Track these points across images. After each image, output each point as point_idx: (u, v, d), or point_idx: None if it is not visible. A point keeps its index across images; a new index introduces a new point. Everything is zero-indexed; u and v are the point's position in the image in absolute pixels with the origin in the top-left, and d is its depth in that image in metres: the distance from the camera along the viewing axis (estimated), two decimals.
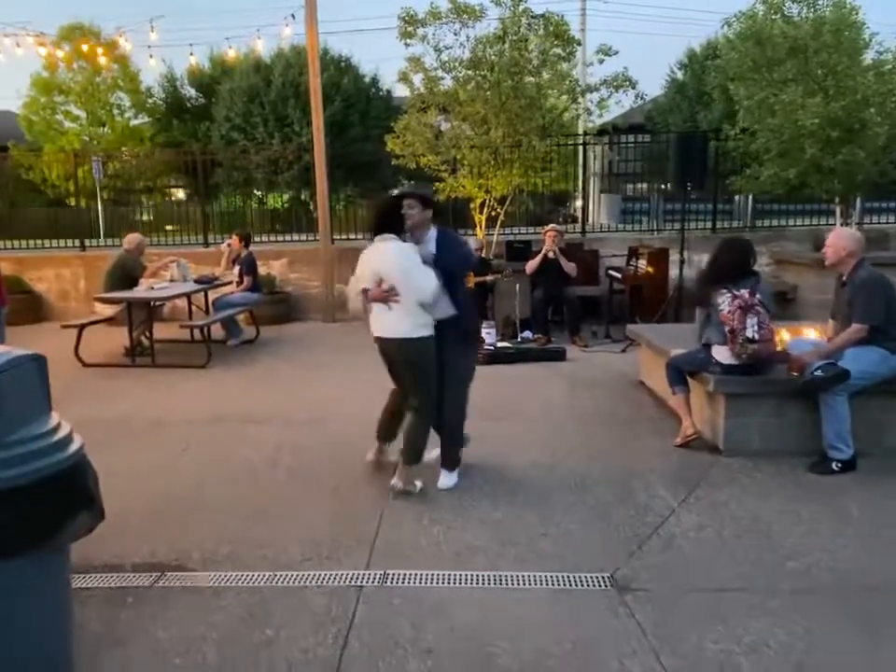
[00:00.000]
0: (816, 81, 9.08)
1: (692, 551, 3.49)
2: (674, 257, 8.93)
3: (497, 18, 9.23)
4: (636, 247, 9.54)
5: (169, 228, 14.19)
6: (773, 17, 9.29)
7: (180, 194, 25.12)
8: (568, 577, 3.26)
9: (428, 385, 4.18)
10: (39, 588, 2.33)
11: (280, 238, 11.28)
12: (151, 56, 12.80)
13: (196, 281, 8.39)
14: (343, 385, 6.63)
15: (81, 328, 7.59)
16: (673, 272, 8.88)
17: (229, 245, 8.75)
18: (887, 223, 10.62)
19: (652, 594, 3.12)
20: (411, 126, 8.97)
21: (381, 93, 27.50)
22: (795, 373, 4.51)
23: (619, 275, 8.95)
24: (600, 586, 3.19)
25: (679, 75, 29.08)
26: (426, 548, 3.55)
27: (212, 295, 8.79)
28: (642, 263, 8.90)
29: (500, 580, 3.25)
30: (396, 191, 5.01)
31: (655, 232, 10.78)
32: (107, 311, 7.73)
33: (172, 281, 8.45)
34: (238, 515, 3.97)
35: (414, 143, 8.96)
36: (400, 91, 29.69)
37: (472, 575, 3.29)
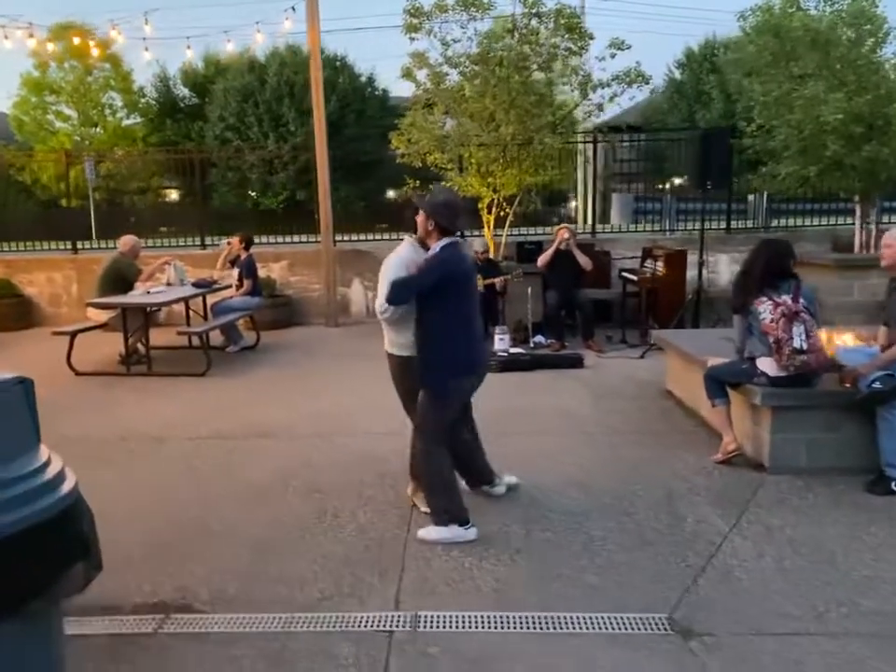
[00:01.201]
0: (836, 76, 8.77)
1: (753, 585, 3.15)
2: (690, 258, 8.61)
3: (503, 15, 8.91)
4: (650, 248, 9.21)
5: (163, 229, 13.84)
6: (790, 10, 8.98)
7: (174, 195, 24.72)
8: (623, 619, 2.91)
9: (410, 410, 3.84)
10: (26, 654, 1.98)
11: (280, 240, 10.88)
12: (147, 49, 12.35)
13: (194, 284, 8.01)
14: (352, 395, 6.28)
15: (73, 334, 7.21)
16: (689, 274, 8.56)
17: (229, 243, 8.38)
18: None
19: (719, 639, 2.78)
20: (417, 123, 8.61)
21: (377, 93, 27.23)
22: (848, 385, 4.18)
23: (634, 277, 8.62)
24: (660, 629, 2.84)
25: (677, 74, 28.87)
26: (459, 584, 3.20)
27: (210, 299, 8.42)
28: (658, 265, 8.56)
29: (547, 622, 2.90)
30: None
31: (668, 233, 10.45)
32: (101, 317, 7.35)
33: (168, 284, 8.08)
34: (247, 545, 3.61)
35: (421, 140, 8.61)
36: (397, 91, 29.32)
37: (515, 617, 2.94)
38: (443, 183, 9.43)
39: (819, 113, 8.22)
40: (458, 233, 3.70)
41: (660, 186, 12.42)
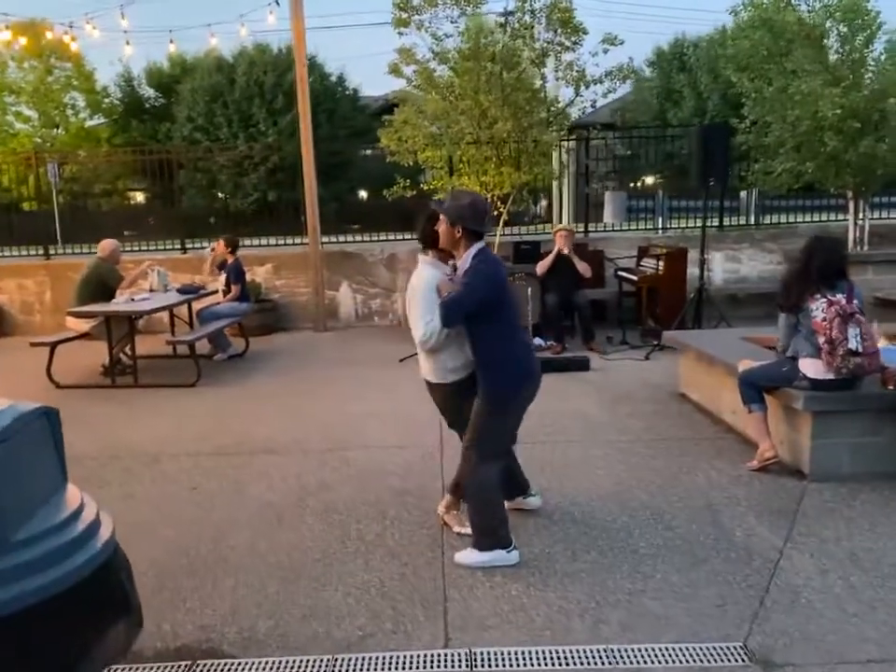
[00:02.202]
0: (830, 71, 8.71)
1: (825, 607, 2.94)
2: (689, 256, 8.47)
3: (494, 12, 8.68)
4: (646, 247, 9.05)
5: (127, 233, 13.31)
6: (782, 4, 8.89)
7: (140, 198, 24.07)
8: (696, 649, 2.68)
9: (459, 428, 3.56)
10: None
11: (264, 242, 10.51)
12: (128, 42, 11.92)
13: (179, 290, 7.64)
14: (357, 404, 5.99)
15: (54, 345, 6.80)
16: (688, 272, 8.41)
17: (213, 249, 8.02)
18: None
19: (804, 670, 2.57)
20: (410, 120, 8.33)
21: (347, 92, 26.86)
22: (892, 387, 4.02)
23: (633, 277, 8.44)
24: (738, 661, 2.62)
25: (647, 72, 28.94)
26: (510, 614, 2.95)
27: (195, 305, 8.04)
28: (656, 263, 8.39)
29: (614, 656, 2.66)
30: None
31: (660, 231, 10.32)
32: (82, 326, 6.94)
33: (151, 291, 7.69)
34: (270, 574, 3.32)
35: (414, 137, 8.33)
36: (368, 90, 28.98)
37: (577, 651, 2.69)
38: (433, 182, 9.18)
39: (817, 109, 8.14)
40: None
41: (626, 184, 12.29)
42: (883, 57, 8.48)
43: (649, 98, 27.42)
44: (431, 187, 8.97)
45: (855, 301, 4.03)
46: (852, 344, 3.88)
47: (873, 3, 8.78)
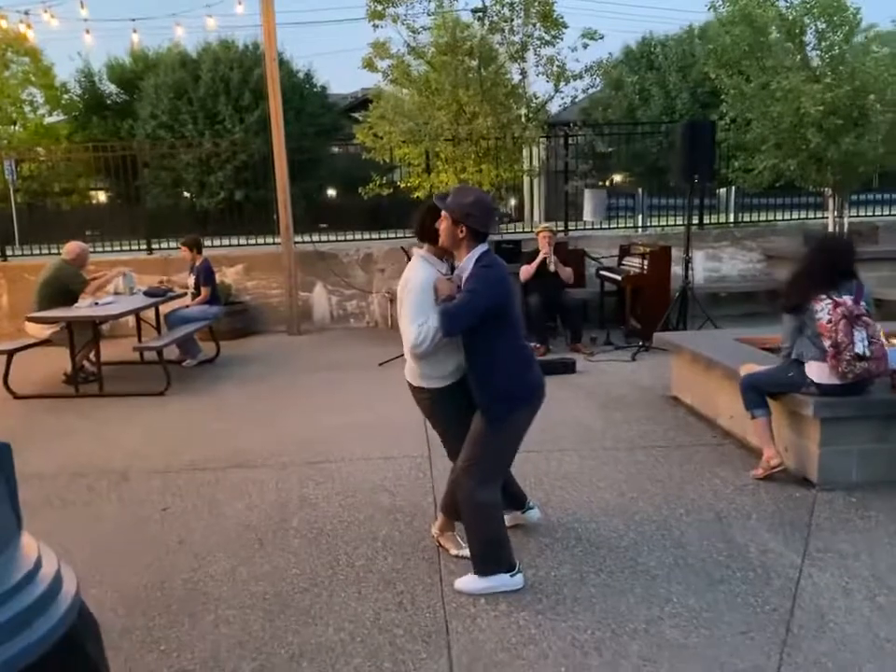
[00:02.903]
0: (811, 67, 8.63)
1: (855, 632, 2.75)
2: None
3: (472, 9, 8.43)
4: (627, 246, 8.88)
5: (89, 233, 12.79)
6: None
7: (102, 196, 23.39)
8: None
9: (449, 442, 3.30)
10: None
11: (234, 241, 10.13)
12: (88, 31, 11.44)
13: (146, 293, 7.26)
14: (336, 413, 5.70)
15: (11, 353, 6.40)
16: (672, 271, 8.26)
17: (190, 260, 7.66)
18: (875, 216, 10.29)
19: None
20: (387, 115, 8.05)
21: (315, 90, 26.46)
22: None
23: (616, 276, 8.26)
24: None
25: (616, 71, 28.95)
26: (520, 648, 2.70)
27: (163, 308, 7.67)
28: (639, 262, 8.23)
29: None
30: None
31: (640, 229, 10.17)
32: (43, 332, 6.54)
33: (117, 294, 7.29)
34: (253, 606, 3.03)
35: (391, 133, 8.05)
36: (336, 87, 28.57)
37: None
38: (410, 179, 8.91)
39: (799, 105, 8.04)
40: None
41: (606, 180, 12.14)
42: (868, 58, 8.37)
43: (619, 97, 27.44)
44: (408, 184, 8.70)
45: (863, 304, 3.86)
46: (859, 349, 3.70)
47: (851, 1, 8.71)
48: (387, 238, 9.96)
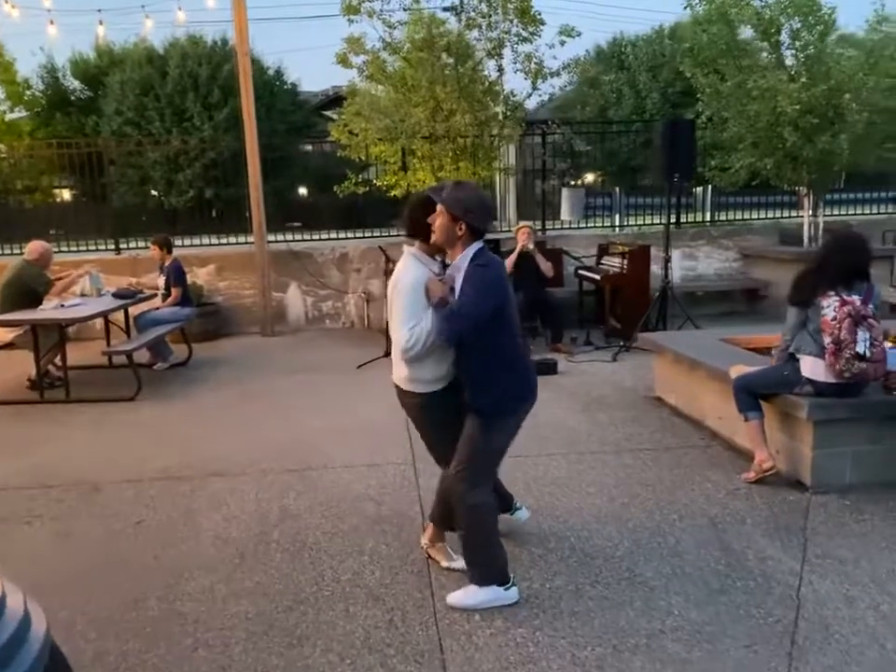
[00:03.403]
0: (786, 66, 8.64)
1: (861, 642, 2.68)
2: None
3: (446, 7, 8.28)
4: (606, 245, 8.82)
5: (53, 232, 12.41)
6: None
7: (67, 194, 22.82)
8: None
9: (437, 449, 3.16)
10: None
11: (205, 241, 9.88)
12: (52, 22, 11.08)
13: (115, 295, 7.01)
14: (317, 418, 5.53)
15: None
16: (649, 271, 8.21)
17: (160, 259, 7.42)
18: (847, 215, 10.36)
19: None
20: (364, 112, 7.88)
21: (286, 87, 26.11)
22: None
23: (595, 276, 8.19)
24: None
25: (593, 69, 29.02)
26: (519, 667, 2.59)
27: (132, 310, 7.42)
28: (617, 262, 8.17)
29: None
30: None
31: (617, 229, 10.12)
32: (6, 335, 6.28)
33: (83, 296, 7.04)
34: (235, 627, 2.87)
35: (366, 130, 7.88)
36: (307, 85, 28.23)
37: None
38: (386, 178, 8.75)
39: (777, 104, 8.04)
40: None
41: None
42: (843, 58, 8.38)
43: (589, 96, 27.50)
44: (385, 183, 8.54)
45: (870, 306, 3.80)
46: (860, 348, 3.64)
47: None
48: (363, 237, 9.79)
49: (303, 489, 4.19)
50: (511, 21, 8.16)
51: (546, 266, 7.51)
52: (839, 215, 10.18)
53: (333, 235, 9.86)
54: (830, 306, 3.69)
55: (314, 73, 32.36)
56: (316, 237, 9.89)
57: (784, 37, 8.84)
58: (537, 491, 4.05)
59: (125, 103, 22.70)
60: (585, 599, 2.99)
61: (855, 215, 10.42)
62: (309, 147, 23.86)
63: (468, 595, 2.98)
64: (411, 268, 2.94)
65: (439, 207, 2.84)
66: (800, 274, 4.02)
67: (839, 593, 3.00)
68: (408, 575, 3.22)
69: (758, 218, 10.34)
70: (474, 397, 2.92)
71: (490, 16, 7.85)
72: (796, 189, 9.97)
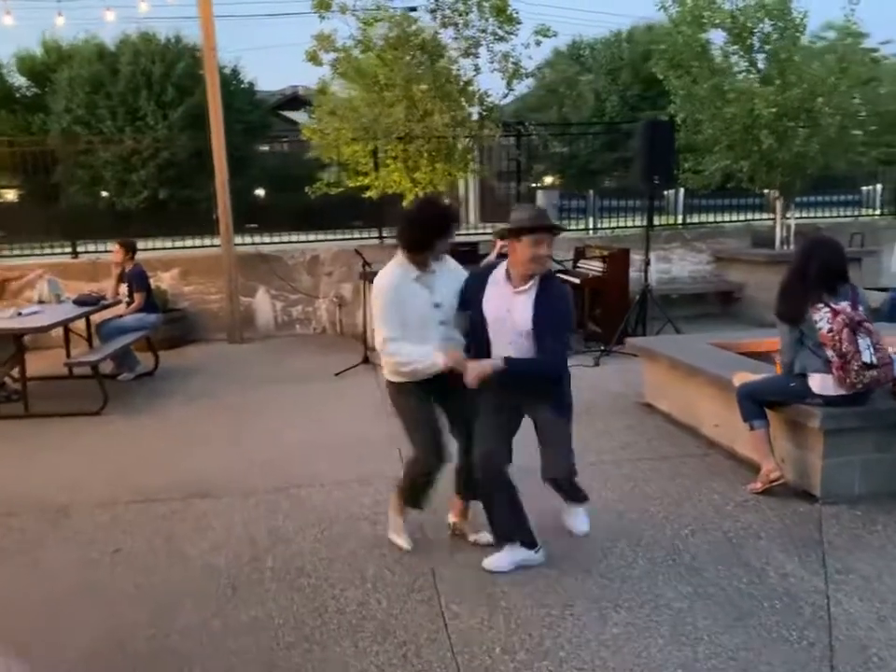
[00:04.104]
0: (759, 70, 8.68)
1: None
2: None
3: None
4: (583, 248, 8.72)
5: None
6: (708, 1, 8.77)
7: (10, 195, 21.92)
8: None
9: (413, 438, 3.33)
10: None
11: (169, 244, 9.49)
12: (8, 13, 10.54)
13: (76, 302, 6.63)
14: (299, 431, 5.27)
15: None
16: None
17: (118, 264, 7.04)
18: (819, 217, 10.47)
19: None
20: (339, 111, 7.63)
21: (243, 85, 25.59)
22: None
23: (576, 279, 8.08)
24: None
25: (547, 73, 29.17)
26: None
27: (94, 317, 7.02)
28: (596, 265, 8.07)
29: None
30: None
31: (591, 231, 10.04)
32: None
33: (41, 303, 6.64)
34: (235, 668, 2.64)
35: (340, 129, 7.63)
36: (265, 84, 27.75)
37: None
38: (360, 178, 8.51)
39: (753, 106, 8.04)
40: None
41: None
42: (815, 62, 8.42)
43: (548, 99, 27.61)
44: (358, 183, 8.30)
45: (860, 308, 3.73)
46: (866, 357, 3.56)
47: (797, 3, 8.79)
48: (334, 240, 9.52)
49: (292, 509, 3.95)
50: (487, 20, 8.01)
51: None
52: (808, 217, 10.27)
53: (295, 237, 9.56)
54: (822, 318, 3.61)
55: (271, 72, 31.84)
56: (286, 239, 9.58)
57: (756, 41, 8.89)
58: (540, 502, 3.85)
59: (74, 100, 21.97)
60: (610, 626, 2.83)
61: (823, 217, 10.54)
62: (266, 148, 23.37)
63: (503, 557, 3.21)
64: (388, 272, 3.19)
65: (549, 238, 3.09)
66: (783, 286, 3.92)
67: (869, 612, 2.89)
68: (416, 604, 3.01)
69: (729, 221, 10.38)
70: (554, 391, 3.23)
71: (467, 14, 7.68)
72: (764, 191, 10.06)
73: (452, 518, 3.54)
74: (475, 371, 3.03)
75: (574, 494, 3.44)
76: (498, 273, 3.20)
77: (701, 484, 4.14)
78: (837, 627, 2.79)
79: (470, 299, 3.22)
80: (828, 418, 3.66)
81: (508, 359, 3.06)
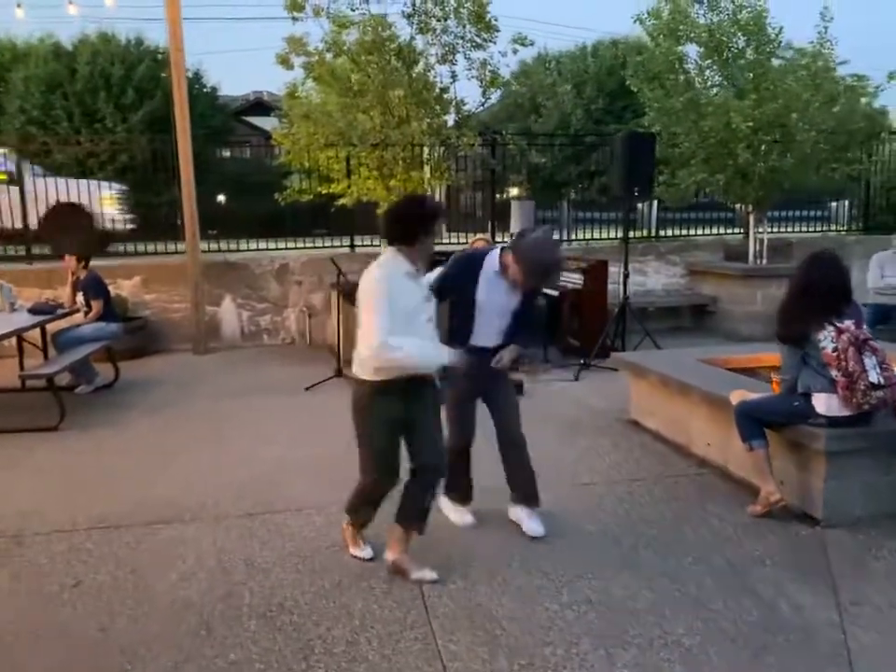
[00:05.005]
0: (735, 84, 8.68)
1: None
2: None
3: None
4: None
5: None
6: (685, 16, 8.75)
7: None
8: None
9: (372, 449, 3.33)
10: None
11: (131, 248, 9.10)
12: None
13: (31, 311, 6.24)
14: (269, 448, 4.99)
15: None
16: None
17: (72, 273, 6.68)
18: (789, 232, 10.52)
19: None
20: (314, 115, 7.37)
21: (205, 90, 25.13)
22: None
23: (554, 292, 7.93)
24: None
25: (514, 85, 29.18)
26: None
27: (49, 326, 6.64)
28: (575, 277, 7.94)
29: None
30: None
31: (565, 243, 9.92)
32: None
33: None
34: None
35: (313, 134, 7.38)
36: (228, 89, 27.28)
37: None
38: (331, 186, 8.27)
39: (730, 120, 8.02)
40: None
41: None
42: (790, 77, 8.43)
43: (514, 110, 27.60)
44: (331, 191, 8.06)
45: (865, 327, 3.62)
46: (873, 377, 3.45)
47: (772, 19, 8.81)
48: (304, 248, 9.24)
49: (268, 537, 3.68)
50: (465, 27, 7.85)
51: None
52: (777, 232, 10.30)
53: (266, 245, 9.26)
54: (826, 338, 3.49)
55: (233, 77, 31.37)
56: (251, 246, 9.27)
57: (730, 56, 8.89)
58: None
59: (29, 100, 21.30)
60: (619, 667, 2.63)
61: (792, 233, 10.60)
62: (227, 153, 22.96)
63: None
64: (381, 264, 3.07)
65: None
66: (785, 306, 3.81)
67: (887, 646, 2.75)
68: (411, 643, 2.78)
69: (701, 234, 10.38)
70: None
71: (445, 20, 7.51)
72: (734, 205, 10.08)
73: (390, 556, 3.24)
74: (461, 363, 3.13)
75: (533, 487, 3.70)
76: (491, 267, 3.44)
77: (698, 507, 3.99)
78: (857, 664, 2.64)
79: (463, 284, 3.43)
80: (832, 440, 3.54)
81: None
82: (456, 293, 3.46)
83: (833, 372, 3.51)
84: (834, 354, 3.50)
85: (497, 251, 3.49)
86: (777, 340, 3.77)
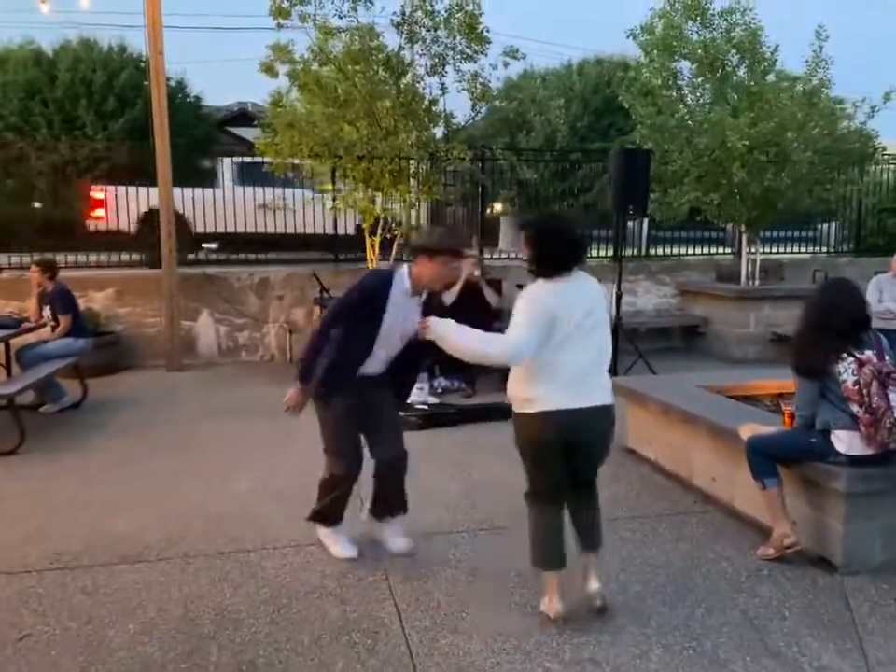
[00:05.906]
0: (729, 103, 8.53)
1: None
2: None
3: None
4: None
5: None
6: (679, 32, 8.60)
7: None
8: None
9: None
10: None
11: (103, 258, 8.74)
12: None
13: None
14: (244, 477, 4.66)
15: None
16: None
17: (38, 285, 6.34)
18: (778, 253, 10.38)
19: None
20: (298, 124, 7.09)
21: (189, 99, 24.84)
22: None
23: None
24: None
25: (497, 102, 29.11)
26: None
27: (12, 341, 6.28)
28: None
29: None
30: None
31: None
32: None
33: None
34: None
35: (301, 145, 7.10)
36: (212, 99, 27.06)
37: None
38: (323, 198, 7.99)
39: (727, 138, 7.85)
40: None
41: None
42: (784, 95, 8.28)
43: (500, 127, 27.39)
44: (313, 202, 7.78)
45: (887, 358, 3.39)
46: None
47: (766, 38, 8.69)
48: (286, 262, 8.93)
49: (241, 580, 3.35)
50: (455, 38, 7.62)
51: (494, 299, 6.96)
52: (767, 253, 10.14)
53: (247, 257, 8.96)
54: (847, 370, 3.25)
55: (216, 87, 31.09)
56: (231, 258, 8.95)
57: (725, 73, 8.76)
58: (531, 578, 3.37)
59: (7, 106, 20.94)
60: None
61: (783, 253, 10.46)
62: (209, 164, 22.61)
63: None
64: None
65: None
66: (801, 336, 3.57)
67: None
68: None
69: (693, 254, 10.20)
70: None
71: (435, 30, 7.28)
72: (725, 225, 9.92)
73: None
74: None
75: (401, 497, 3.57)
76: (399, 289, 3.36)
77: (706, 549, 3.71)
78: None
79: (369, 312, 3.35)
80: (854, 480, 3.29)
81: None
82: (361, 322, 3.30)
83: (855, 408, 3.26)
84: (856, 388, 3.25)
85: (405, 270, 3.37)
86: (793, 371, 3.52)
